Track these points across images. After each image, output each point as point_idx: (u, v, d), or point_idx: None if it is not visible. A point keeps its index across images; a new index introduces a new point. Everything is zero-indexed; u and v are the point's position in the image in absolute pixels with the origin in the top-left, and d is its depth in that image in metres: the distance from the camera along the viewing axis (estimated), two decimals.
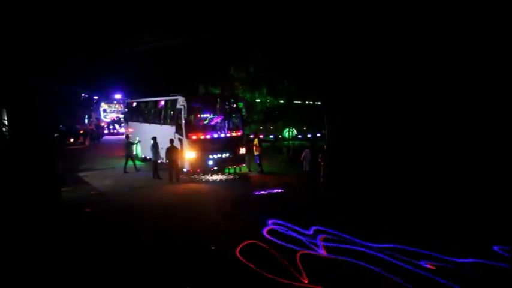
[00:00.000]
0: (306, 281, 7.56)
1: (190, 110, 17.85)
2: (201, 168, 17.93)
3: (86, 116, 40.88)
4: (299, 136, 29.62)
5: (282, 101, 26.44)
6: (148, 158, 20.96)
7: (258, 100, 25.64)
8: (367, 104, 20.03)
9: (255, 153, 19.17)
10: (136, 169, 19.78)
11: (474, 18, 16.61)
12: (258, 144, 19.14)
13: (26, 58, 10.39)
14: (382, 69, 19.31)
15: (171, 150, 17.19)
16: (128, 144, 19.94)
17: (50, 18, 10.94)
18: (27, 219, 10.26)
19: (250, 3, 19.96)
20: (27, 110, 10.35)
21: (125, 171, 19.44)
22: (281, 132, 29.45)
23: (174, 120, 18.34)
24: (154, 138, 18.21)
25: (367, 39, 19.30)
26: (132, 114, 24.99)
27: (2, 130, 10.87)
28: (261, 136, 21.51)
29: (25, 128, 10.37)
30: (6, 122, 10.85)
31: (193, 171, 17.98)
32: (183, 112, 17.49)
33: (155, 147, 18.15)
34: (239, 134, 18.96)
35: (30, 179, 10.37)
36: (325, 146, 16.06)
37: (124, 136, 20.27)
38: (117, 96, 44.31)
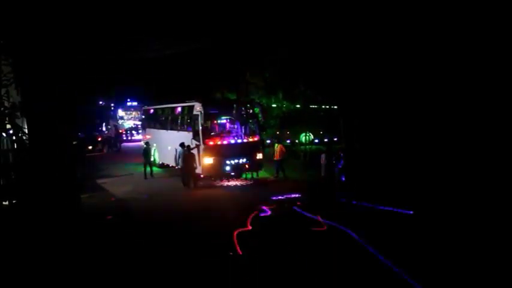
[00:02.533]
0: None
1: (207, 116, 17.88)
2: (218, 173, 17.94)
3: (104, 124, 41.31)
4: (316, 141, 29.45)
5: (298, 106, 26.36)
6: (165, 164, 21.05)
7: (274, 105, 25.61)
8: (384, 108, 19.84)
9: (274, 158, 19.04)
10: (152, 175, 19.95)
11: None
12: (280, 149, 18.97)
13: (46, 66, 10.52)
14: (398, 73, 19.11)
15: (188, 156, 17.23)
16: (147, 150, 19.97)
17: (65, 24, 11.06)
18: (47, 225, 10.35)
19: (266, 7, 19.94)
20: (46, 118, 10.47)
21: (145, 177, 19.59)
22: (298, 137, 29.34)
23: (191, 127, 18.39)
24: (182, 145, 17.81)
25: (382, 42, 19.14)
26: (150, 121, 25.15)
27: (22, 138, 11.03)
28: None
29: (44, 135, 10.48)
30: (26, 130, 11.00)
31: (210, 176, 18.01)
32: (199, 118, 17.53)
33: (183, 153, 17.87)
34: (256, 139, 18.92)
35: (50, 186, 10.46)
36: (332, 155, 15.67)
37: (143, 143, 20.57)
38: (134, 103, 44.68)
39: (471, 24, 16.67)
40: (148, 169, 19.82)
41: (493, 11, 16.24)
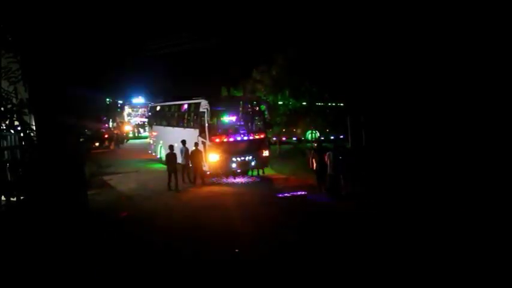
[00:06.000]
0: None
1: (213, 113, 17.87)
2: (225, 170, 17.95)
3: (111, 120, 41.46)
4: (322, 138, 29.34)
5: (304, 103, 26.27)
6: None
7: (280, 102, 25.52)
8: (391, 105, 19.74)
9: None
10: (177, 189, 17.02)
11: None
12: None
13: (54, 63, 10.55)
14: (406, 69, 19.00)
15: (196, 153, 17.25)
16: (171, 156, 17.01)
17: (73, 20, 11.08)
18: (54, 222, 10.40)
19: (273, 4, 19.92)
20: (53, 115, 10.50)
21: (169, 188, 16.62)
22: (304, 135, 29.29)
23: (198, 124, 18.42)
24: (184, 142, 17.96)
25: (388, 40, 19.05)
26: (156, 118, 25.21)
27: (30, 135, 11.08)
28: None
29: (52, 132, 10.52)
30: (34, 127, 11.05)
31: (216, 174, 18.03)
32: (206, 115, 17.55)
33: (185, 150, 17.86)
34: (262, 136, 18.90)
35: (57, 183, 10.50)
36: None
37: (168, 147, 17.69)
38: (141, 100, 44.77)
39: (473, 24, 16.57)
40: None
41: (493, 11, 16.15)
